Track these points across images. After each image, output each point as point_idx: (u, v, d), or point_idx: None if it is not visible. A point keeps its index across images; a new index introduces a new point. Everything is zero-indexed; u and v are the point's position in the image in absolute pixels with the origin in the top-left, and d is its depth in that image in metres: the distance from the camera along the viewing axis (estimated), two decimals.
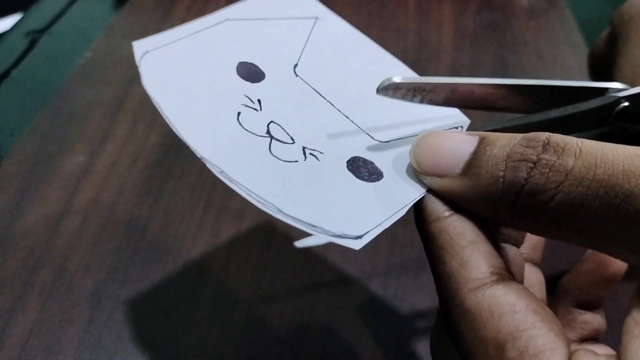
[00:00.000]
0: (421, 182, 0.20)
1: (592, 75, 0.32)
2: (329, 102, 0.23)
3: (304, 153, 0.21)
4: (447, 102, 0.21)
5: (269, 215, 0.18)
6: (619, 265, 0.24)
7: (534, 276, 0.25)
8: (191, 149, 0.20)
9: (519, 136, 0.17)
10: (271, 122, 0.22)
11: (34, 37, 0.51)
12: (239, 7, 0.26)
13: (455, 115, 0.23)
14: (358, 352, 0.30)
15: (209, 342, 0.30)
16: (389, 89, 0.20)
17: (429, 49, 0.53)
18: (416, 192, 0.19)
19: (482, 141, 0.18)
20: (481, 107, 0.22)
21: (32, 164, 0.39)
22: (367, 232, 0.18)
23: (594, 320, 0.24)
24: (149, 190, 0.38)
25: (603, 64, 0.28)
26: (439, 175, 0.19)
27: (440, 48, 0.53)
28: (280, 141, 0.21)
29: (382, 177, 0.20)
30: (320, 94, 0.23)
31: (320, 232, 0.18)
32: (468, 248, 0.18)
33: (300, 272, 0.33)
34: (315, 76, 0.23)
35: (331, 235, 0.18)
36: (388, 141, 0.22)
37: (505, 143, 0.17)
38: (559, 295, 0.25)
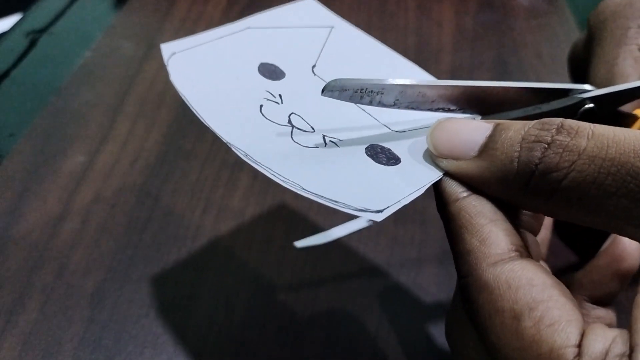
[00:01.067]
0: (438, 166, 0.20)
1: (572, 78, 0.32)
2: None
3: (324, 140, 0.22)
4: (397, 105, 0.21)
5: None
6: (633, 260, 0.24)
7: None
8: (216, 135, 0.21)
9: (532, 122, 0.18)
10: (292, 113, 0.23)
11: (34, 37, 0.51)
12: (259, 17, 0.28)
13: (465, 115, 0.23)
14: (358, 352, 0.30)
15: (209, 341, 0.30)
16: (334, 90, 0.20)
17: (429, 49, 0.53)
18: (434, 174, 0.20)
19: (497, 126, 0.19)
20: (434, 109, 0.22)
21: (32, 164, 0.39)
22: (388, 206, 0.19)
23: (607, 315, 0.25)
24: (149, 190, 0.38)
25: (582, 66, 0.28)
26: (455, 158, 0.19)
27: (440, 48, 0.53)
28: (301, 130, 0.22)
29: (400, 162, 0.21)
30: None
31: (342, 207, 0.19)
32: (487, 226, 0.18)
33: (300, 272, 0.33)
34: (333, 76, 0.24)
35: (353, 210, 0.19)
36: (403, 131, 0.23)
37: (520, 127, 0.18)
38: (573, 290, 0.25)
